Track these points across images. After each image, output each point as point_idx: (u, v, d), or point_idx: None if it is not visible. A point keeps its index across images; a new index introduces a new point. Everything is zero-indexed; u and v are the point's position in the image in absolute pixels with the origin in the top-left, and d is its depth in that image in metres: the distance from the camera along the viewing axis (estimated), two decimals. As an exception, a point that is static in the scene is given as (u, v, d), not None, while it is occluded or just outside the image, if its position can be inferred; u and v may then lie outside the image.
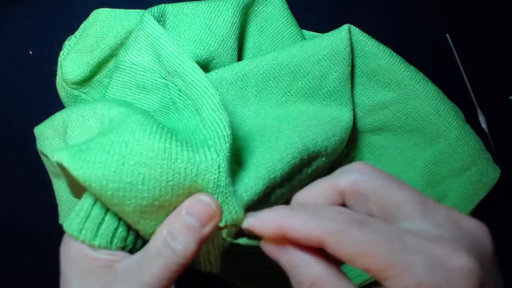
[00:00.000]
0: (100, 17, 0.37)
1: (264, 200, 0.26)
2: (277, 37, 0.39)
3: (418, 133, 0.37)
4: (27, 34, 0.41)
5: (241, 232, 0.23)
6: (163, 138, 0.22)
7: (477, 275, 0.18)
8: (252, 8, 0.38)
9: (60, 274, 0.23)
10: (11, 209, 0.41)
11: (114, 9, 0.37)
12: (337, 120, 0.34)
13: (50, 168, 0.37)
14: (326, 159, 0.32)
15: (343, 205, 0.22)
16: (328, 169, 0.34)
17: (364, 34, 0.37)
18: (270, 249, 0.21)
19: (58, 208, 0.38)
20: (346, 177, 0.21)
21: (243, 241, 0.23)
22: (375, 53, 0.37)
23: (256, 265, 0.34)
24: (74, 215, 0.22)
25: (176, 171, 0.22)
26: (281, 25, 0.39)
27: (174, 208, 0.22)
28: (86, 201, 0.22)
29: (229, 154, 0.23)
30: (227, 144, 0.23)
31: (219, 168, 0.22)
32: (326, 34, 0.36)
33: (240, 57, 0.38)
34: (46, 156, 0.35)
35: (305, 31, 0.40)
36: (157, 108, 0.29)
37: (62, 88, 0.39)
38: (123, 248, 0.23)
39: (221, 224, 0.23)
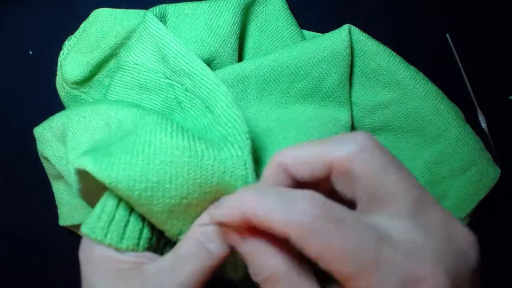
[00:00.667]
0: (100, 17, 0.37)
1: None
2: (277, 37, 0.39)
3: (418, 133, 0.37)
4: (27, 34, 0.41)
5: None
6: (186, 136, 0.22)
7: None
8: (252, 8, 0.38)
9: (82, 279, 0.22)
10: (11, 209, 0.41)
11: (114, 9, 0.37)
12: (336, 120, 0.34)
13: (49, 171, 0.37)
14: None
15: (327, 181, 0.20)
16: None
17: (364, 34, 0.37)
18: (230, 238, 0.20)
19: (58, 211, 0.38)
20: (342, 150, 0.19)
21: None
22: (375, 53, 0.37)
23: None
24: (95, 219, 0.22)
25: (204, 169, 0.21)
26: (281, 25, 0.39)
27: (201, 208, 0.22)
28: (108, 204, 0.22)
29: (251, 150, 0.23)
30: (248, 141, 0.23)
31: (245, 164, 0.22)
32: (326, 35, 0.36)
33: (240, 57, 0.38)
34: (46, 158, 0.35)
35: (305, 31, 0.40)
36: (159, 109, 0.29)
37: (62, 88, 0.39)
38: (148, 249, 0.22)
39: None
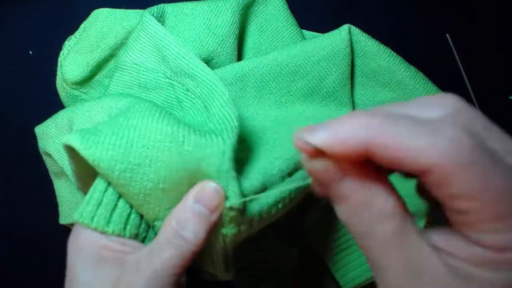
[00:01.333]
0: (100, 17, 0.37)
1: (262, 192, 0.26)
2: (277, 37, 0.39)
3: (418, 133, 0.37)
4: (27, 34, 0.41)
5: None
6: (171, 122, 0.23)
7: None
8: (252, 8, 0.38)
9: (66, 269, 0.22)
10: (11, 209, 0.41)
11: (114, 9, 0.37)
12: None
13: (51, 168, 0.37)
14: None
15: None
16: None
17: (364, 34, 0.37)
18: (322, 173, 0.15)
19: (59, 209, 0.38)
20: (435, 143, 0.14)
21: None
22: (375, 53, 0.37)
23: (251, 260, 0.34)
24: (84, 204, 0.22)
25: (183, 154, 0.22)
26: (281, 25, 0.39)
27: (176, 194, 0.22)
28: (96, 189, 0.23)
29: (235, 144, 0.23)
30: (234, 134, 0.23)
31: (223, 154, 0.22)
32: (326, 34, 0.36)
33: (240, 57, 0.38)
34: (49, 155, 0.35)
35: (305, 31, 0.40)
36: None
37: (62, 88, 0.39)
38: (136, 236, 0.23)
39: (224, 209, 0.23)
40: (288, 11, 0.39)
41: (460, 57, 0.41)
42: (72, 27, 0.39)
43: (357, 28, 0.37)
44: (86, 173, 0.24)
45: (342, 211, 0.16)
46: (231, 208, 0.22)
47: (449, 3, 0.42)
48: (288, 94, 0.35)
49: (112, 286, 0.21)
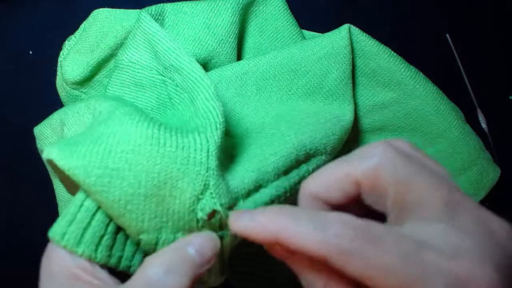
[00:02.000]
0: (100, 17, 0.37)
1: (256, 192, 0.26)
2: (277, 37, 0.39)
3: (418, 133, 0.37)
4: (27, 34, 0.41)
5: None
6: (151, 125, 0.22)
7: None
8: (252, 8, 0.38)
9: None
10: (11, 209, 0.41)
11: (114, 9, 0.37)
12: (338, 119, 0.34)
13: (50, 168, 0.37)
14: (326, 157, 0.32)
15: (358, 197, 0.20)
16: None
17: (364, 34, 0.37)
18: (276, 252, 0.19)
19: (58, 209, 0.38)
20: (364, 165, 0.19)
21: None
22: (375, 53, 0.37)
23: (248, 271, 0.34)
24: (60, 218, 0.21)
25: (166, 155, 0.21)
26: (281, 25, 0.39)
27: (157, 201, 0.21)
28: (73, 203, 0.21)
29: (219, 140, 0.23)
30: (218, 131, 0.23)
31: (208, 152, 0.22)
32: (326, 34, 0.36)
33: (240, 57, 0.38)
34: (46, 155, 0.35)
35: (305, 31, 0.40)
36: (155, 106, 0.29)
37: (62, 88, 0.39)
38: (108, 258, 0.21)
39: (208, 211, 0.22)
40: (288, 11, 0.39)
41: (460, 57, 0.41)
42: (72, 27, 0.39)
43: (357, 28, 0.37)
44: (74, 186, 0.22)
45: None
46: (215, 211, 0.22)
47: (449, 3, 0.42)
48: (289, 92, 0.35)
49: None
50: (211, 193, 0.22)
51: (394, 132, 0.38)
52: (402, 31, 0.42)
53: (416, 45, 0.41)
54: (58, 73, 0.39)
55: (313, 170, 0.31)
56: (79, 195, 0.21)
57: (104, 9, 0.37)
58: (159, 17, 0.35)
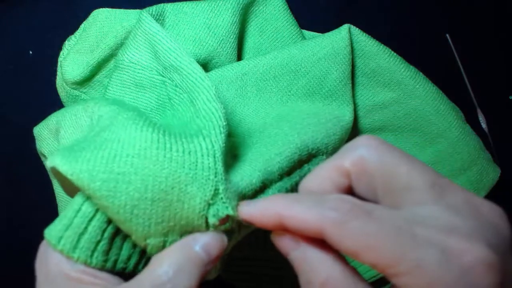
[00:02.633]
0: (100, 17, 0.37)
1: (261, 193, 0.26)
2: (277, 37, 0.39)
3: (418, 133, 0.37)
4: (27, 34, 0.41)
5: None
6: (156, 130, 0.22)
7: (498, 269, 0.16)
8: (252, 8, 0.38)
9: None
10: (11, 209, 0.41)
11: (114, 9, 0.37)
12: (338, 119, 0.34)
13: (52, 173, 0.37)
14: (327, 157, 0.32)
15: (350, 188, 0.20)
16: None
17: (364, 34, 0.37)
18: (281, 243, 0.20)
19: (58, 209, 0.38)
20: (351, 154, 0.20)
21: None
22: (375, 53, 0.37)
23: (254, 272, 0.34)
24: (57, 221, 0.21)
25: (173, 160, 0.21)
26: (281, 25, 0.39)
27: (164, 205, 0.21)
28: (71, 207, 0.21)
29: (224, 144, 0.22)
30: (222, 135, 0.23)
31: (214, 157, 0.22)
32: (326, 34, 0.36)
33: (240, 57, 0.38)
34: (45, 156, 0.35)
35: (305, 31, 0.40)
36: (154, 107, 0.28)
37: (62, 88, 0.39)
38: (104, 262, 0.21)
39: (220, 217, 0.21)
40: (288, 11, 0.39)
41: (460, 57, 0.41)
42: (72, 27, 0.39)
43: (357, 28, 0.37)
44: (75, 192, 0.22)
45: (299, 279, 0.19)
46: (227, 217, 0.21)
47: (449, 3, 0.42)
48: (289, 93, 0.35)
49: None
50: (221, 198, 0.22)
51: (394, 132, 0.38)
52: (402, 31, 0.42)
53: (416, 45, 0.41)
54: (58, 73, 0.39)
55: None
56: (77, 199, 0.21)
57: (104, 9, 0.37)
58: (160, 17, 0.35)
